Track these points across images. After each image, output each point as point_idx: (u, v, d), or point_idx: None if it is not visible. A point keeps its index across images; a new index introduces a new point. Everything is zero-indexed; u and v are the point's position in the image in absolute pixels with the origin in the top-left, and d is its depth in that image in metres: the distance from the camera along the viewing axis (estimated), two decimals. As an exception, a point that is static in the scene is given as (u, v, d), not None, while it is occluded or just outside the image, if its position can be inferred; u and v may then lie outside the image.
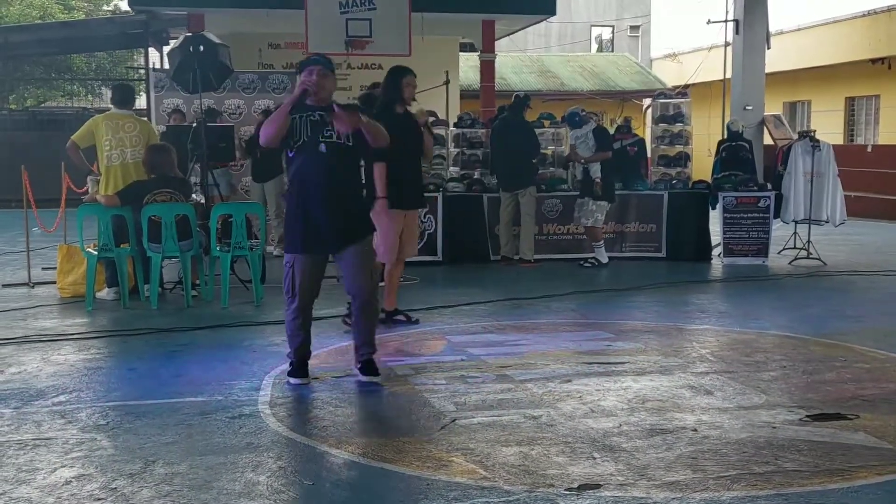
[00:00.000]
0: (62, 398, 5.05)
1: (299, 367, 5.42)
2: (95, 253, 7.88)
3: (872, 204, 15.40)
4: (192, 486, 3.72)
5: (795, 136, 21.50)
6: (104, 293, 8.16)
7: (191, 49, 8.93)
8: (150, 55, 21.39)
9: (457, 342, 6.40)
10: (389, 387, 5.25)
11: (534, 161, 10.47)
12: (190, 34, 9.37)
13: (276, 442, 4.30)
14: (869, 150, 18.21)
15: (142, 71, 25.47)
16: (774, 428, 4.36)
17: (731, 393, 4.99)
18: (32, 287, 8.78)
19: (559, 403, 4.84)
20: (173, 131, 9.49)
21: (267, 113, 9.10)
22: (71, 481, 3.77)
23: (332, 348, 6.25)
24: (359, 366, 5.46)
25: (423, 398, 4.99)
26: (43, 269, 9.56)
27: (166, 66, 16.52)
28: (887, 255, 11.45)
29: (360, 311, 5.46)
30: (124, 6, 29.88)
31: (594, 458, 3.99)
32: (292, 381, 5.36)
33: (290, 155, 5.28)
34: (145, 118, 11.46)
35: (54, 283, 8.57)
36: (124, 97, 8.61)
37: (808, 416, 4.51)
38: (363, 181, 6.03)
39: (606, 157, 9.75)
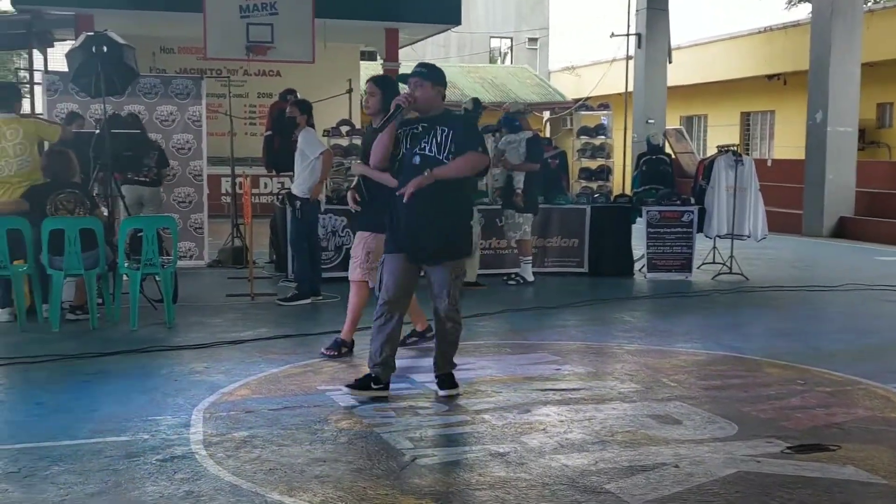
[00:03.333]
0: (-39, 441, 4.45)
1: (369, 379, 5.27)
2: (-13, 271, 7.17)
3: (775, 217, 15.65)
4: (132, 549, 3.23)
5: (693, 150, 22.06)
6: (-4, 314, 7.44)
7: (93, 50, 8.27)
8: (34, 57, 20.24)
9: (397, 367, 5.97)
10: (335, 421, 4.80)
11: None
12: (91, 34, 8.66)
13: (219, 489, 3.82)
14: (769, 164, 18.61)
15: (23, 73, 24.11)
16: (759, 462, 4.11)
17: (700, 422, 4.75)
18: (-87, 308, 7.95)
19: (524, 437, 4.50)
20: (74, 139, 8.78)
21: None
22: (-15, 547, 3.23)
23: (261, 376, 5.76)
24: (436, 380, 5.33)
25: (375, 434, 4.58)
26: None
27: (53, 68, 15.63)
28: (801, 269, 11.59)
29: (438, 328, 5.36)
30: (3, 5, 28.39)
31: (578, 502, 3.66)
32: (353, 393, 5.25)
33: (397, 166, 5.28)
34: (40, 115, 10.68)
35: (-62, 303, 7.78)
36: (6, 97, 7.84)
37: (789, 448, 4.29)
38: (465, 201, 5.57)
39: (534, 169, 9.48)
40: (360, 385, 5.27)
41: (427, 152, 5.09)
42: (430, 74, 5.18)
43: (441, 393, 5.28)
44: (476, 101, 9.93)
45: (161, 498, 3.71)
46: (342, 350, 6.28)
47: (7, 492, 3.76)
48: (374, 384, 5.25)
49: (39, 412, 4.97)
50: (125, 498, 3.72)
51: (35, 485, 3.84)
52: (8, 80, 17.51)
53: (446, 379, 5.33)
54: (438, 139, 5.11)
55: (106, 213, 8.03)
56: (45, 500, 3.68)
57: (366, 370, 5.37)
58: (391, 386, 5.33)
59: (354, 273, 6.32)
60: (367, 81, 6.23)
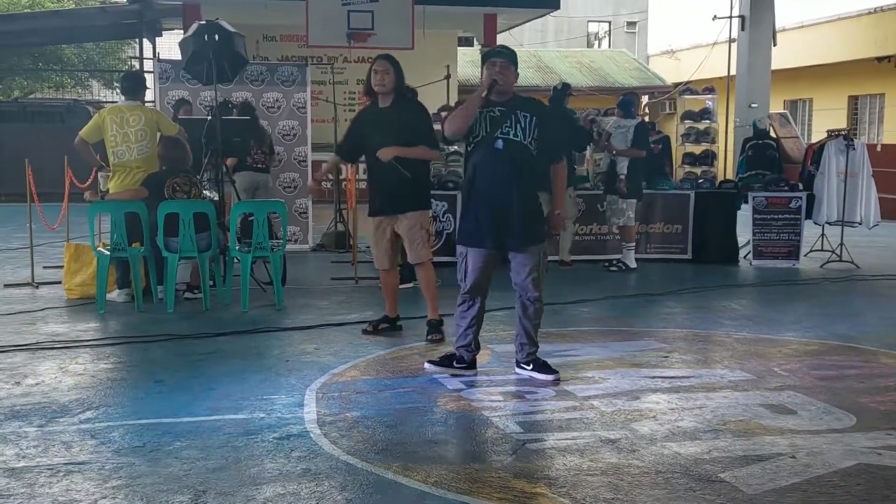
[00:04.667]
0: (89, 415, 4.64)
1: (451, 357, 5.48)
2: (107, 253, 7.46)
3: (886, 204, 15.09)
4: (257, 524, 3.33)
5: (798, 135, 21.41)
6: (114, 295, 7.74)
7: (205, 38, 8.49)
8: (143, 46, 20.93)
9: (501, 352, 6.00)
10: (444, 403, 4.86)
11: (589, 152, 9.64)
12: (203, 22, 8.89)
13: (335, 468, 3.90)
14: (878, 149, 17.95)
15: (135, 61, 24.92)
16: (880, 455, 4.00)
17: (816, 412, 4.64)
18: (37, 287, 8.33)
19: (634, 424, 4.47)
20: (185, 125, 9.04)
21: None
22: (119, 518, 3.37)
23: (369, 358, 5.86)
24: (529, 367, 5.35)
25: (484, 417, 4.61)
26: (44, 267, 9.13)
27: (163, 56, 16.12)
28: (915, 257, 11.19)
29: (519, 310, 5.36)
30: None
31: (694, 491, 3.62)
32: (435, 370, 5.44)
33: (469, 149, 5.32)
34: (152, 104, 11.04)
35: (59, 283, 8.15)
36: (133, 85, 8.14)
37: (911, 441, 4.17)
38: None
39: (640, 156, 9.36)
40: (441, 362, 5.47)
41: (512, 136, 5.13)
42: (514, 58, 5.23)
43: (542, 378, 5.28)
44: (565, 84, 9.86)
45: (280, 475, 3.81)
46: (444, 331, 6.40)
47: (134, 465, 3.92)
48: (456, 363, 5.44)
49: (160, 389, 5.16)
50: (245, 474, 3.82)
51: (160, 459, 3.99)
52: (137, 70, 18.10)
53: (542, 365, 5.34)
54: (522, 124, 5.15)
55: (216, 198, 8.27)
56: (169, 473, 3.81)
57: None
58: (497, 369, 5.37)
59: (420, 255, 6.36)
60: (379, 59, 6.19)
